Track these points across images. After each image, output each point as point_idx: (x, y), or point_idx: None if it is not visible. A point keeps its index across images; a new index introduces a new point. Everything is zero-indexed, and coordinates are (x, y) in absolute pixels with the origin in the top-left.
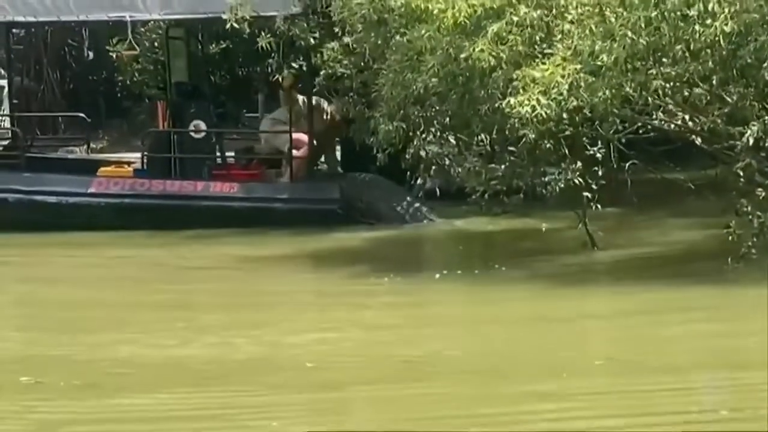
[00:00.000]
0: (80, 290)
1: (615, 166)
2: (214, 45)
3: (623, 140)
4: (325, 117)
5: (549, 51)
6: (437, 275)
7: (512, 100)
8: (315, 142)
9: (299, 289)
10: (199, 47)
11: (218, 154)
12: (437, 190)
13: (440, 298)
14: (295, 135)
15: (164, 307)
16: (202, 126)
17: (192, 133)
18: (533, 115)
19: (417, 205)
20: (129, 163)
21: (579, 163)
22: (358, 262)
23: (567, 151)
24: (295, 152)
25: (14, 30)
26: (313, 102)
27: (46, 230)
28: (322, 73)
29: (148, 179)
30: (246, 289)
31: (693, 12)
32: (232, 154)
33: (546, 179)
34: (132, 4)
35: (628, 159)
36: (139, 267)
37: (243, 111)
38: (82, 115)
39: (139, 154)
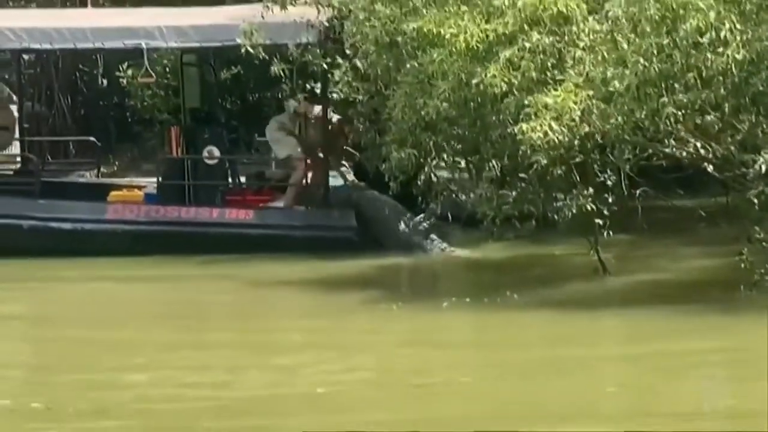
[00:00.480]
0: (94, 318)
1: (626, 193)
2: (225, 71)
3: (634, 167)
4: (329, 127)
5: (560, 77)
6: (445, 303)
7: (524, 126)
8: (322, 153)
9: (310, 315)
10: (212, 73)
11: (230, 179)
12: (448, 215)
13: (450, 325)
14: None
15: (176, 333)
16: (216, 151)
17: (205, 159)
18: (545, 140)
19: (428, 231)
20: (140, 187)
21: (591, 189)
22: (368, 289)
23: (578, 178)
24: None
25: (25, 55)
26: (317, 111)
27: (60, 256)
28: (334, 96)
29: (163, 206)
30: (256, 316)
31: (705, 40)
32: (244, 178)
33: (558, 204)
34: (148, 32)
35: (638, 186)
36: (152, 294)
37: (255, 136)
38: (92, 139)
39: (149, 179)
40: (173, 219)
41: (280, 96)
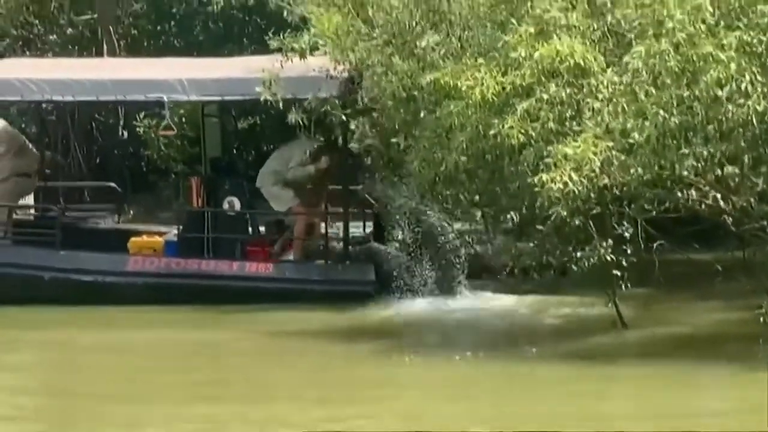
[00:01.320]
0: (110, 371)
1: (642, 246)
2: (244, 121)
3: (651, 220)
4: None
5: (578, 128)
6: (458, 357)
7: (544, 177)
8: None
9: (322, 368)
10: (233, 123)
11: (250, 229)
12: (465, 267)
13: (464, 377)
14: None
15: (194, 387)
16: (236, 202)
17: (226, 211)
18: (565, 192)
19: (444, 282)
20: (160, 233)
21: (610, 241)
22: (382, 340)
23: (594, 230)
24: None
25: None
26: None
27: (80, 306)
28: (351, 147)
29: (183, 258)
30: (268, 369)
31: (724, 93)
32: (263, 227)
33: (578, 255)
34: (169, 85)
35: (654, 239)
36: (170, 348)
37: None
38: (112, 184)
39: (164, 228)
40: (193, 271)
41: None
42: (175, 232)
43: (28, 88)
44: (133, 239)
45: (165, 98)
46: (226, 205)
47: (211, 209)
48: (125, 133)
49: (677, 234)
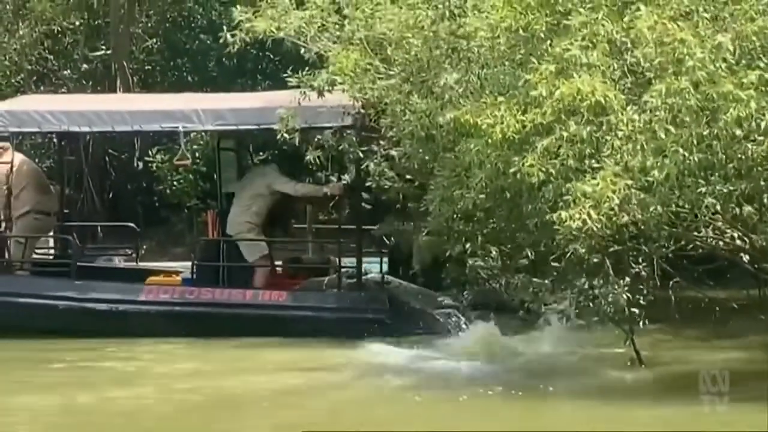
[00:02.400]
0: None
1: (658, 283)
2: (261, 154)
3: (667, 258)
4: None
5: (597, 166)
6: (464, 396)
7: (563, 214)
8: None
9: (329, 406)
10: (249, 157)
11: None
12: (479, 303)
13: (477, 415)
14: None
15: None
16: None
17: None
18: (584, 229)
19: (458, 318)
20: (177, 273)
21: (627, 279)
22: (392, 378)
23: (611, 268)
24: None
25: (55, 141)
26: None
27: (95, 337)
28: (368, 185)
29: (198, 288)
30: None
31: (743, 130)
32: (279, 263)
33: (596, 292)
34: (185, 116)
35: (670, 276)
36: (183, 380)
37: (291, 221)
38: (132, 225)
39: (176, 263)
40: (207, 300)
41: (310, 182)
42: (189, 269)
43: (45, 120)
44: (150, 278)
45: (181, 128)
46: None
47: (226, 239)
48: (140, 165)
49: (692, 272)
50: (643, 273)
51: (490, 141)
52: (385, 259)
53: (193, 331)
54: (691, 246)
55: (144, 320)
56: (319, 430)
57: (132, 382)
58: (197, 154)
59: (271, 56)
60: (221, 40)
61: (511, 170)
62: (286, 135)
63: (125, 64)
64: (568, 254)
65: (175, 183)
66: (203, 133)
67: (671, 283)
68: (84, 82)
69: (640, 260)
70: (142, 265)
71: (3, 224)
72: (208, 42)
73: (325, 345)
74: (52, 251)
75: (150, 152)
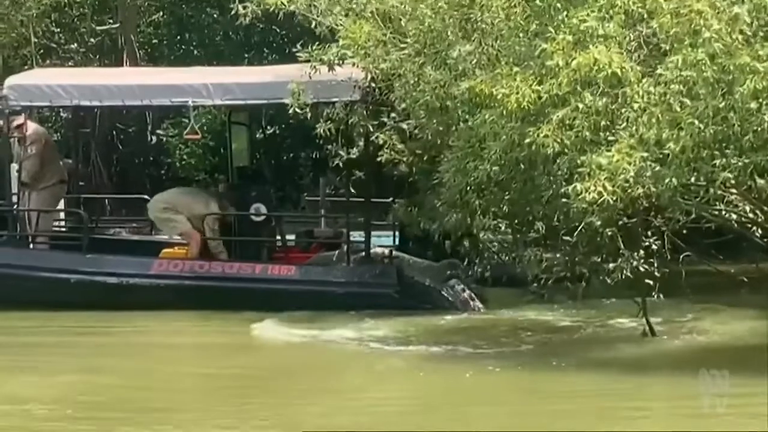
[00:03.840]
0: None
1: (669, 257)
2: (272, 128)
3: (678, 231)
4: None
5: (612, 138)
6: (488, 365)
7: (579, 186)
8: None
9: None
10: (261, 131)
11: (278, 237)
12: (489, 277)
13: (488, 386)
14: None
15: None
16: (263, 209)
17: (252, 217)
18: (599, 201)
19: (466, 291)
20: None
21: (642, 251)
22: (406, 348)
23: (622, 241)
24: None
25: (62, 114)
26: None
27: (106, 310)
28: (379, 158)
29: (208, 261)
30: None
31: (758, 104)
32: (293, 236)
33: (609, 266)
34: (195, 90)
35: (680, 250)
36: (193, 349)
37: (303, 194)
38: (146, 197)
39: None
40: (217, 274)
41: (315, 156)
42: None
43: (56, 94)
44: (165, 250)
45: (190, 102)
46: (252, 212)
47: (237, 213)
48: (154, 138)
49: (701, 245)
50: (654, 246)
51: (505, 112)
52: (397, 233)
53: (202, 304)
54: (703, 219)
55: (154, 294)
56: (320, 430)
57: (139, 355)
58: (205, 128)
59: (278, 30)
60: (233, 12)
61: (526, 141)
62: (297, 109)
63: (132, 37)
64: (580, 227)
65: (183, 157)
66: (212, 107)
67: (682, 256)
68: (91, 55)
69: (649, 234)
70: (156, 237)
71: (25, 194)
72: (215, 16)
73: (330, 319)
74: (62, 223)
75: (159, 125)
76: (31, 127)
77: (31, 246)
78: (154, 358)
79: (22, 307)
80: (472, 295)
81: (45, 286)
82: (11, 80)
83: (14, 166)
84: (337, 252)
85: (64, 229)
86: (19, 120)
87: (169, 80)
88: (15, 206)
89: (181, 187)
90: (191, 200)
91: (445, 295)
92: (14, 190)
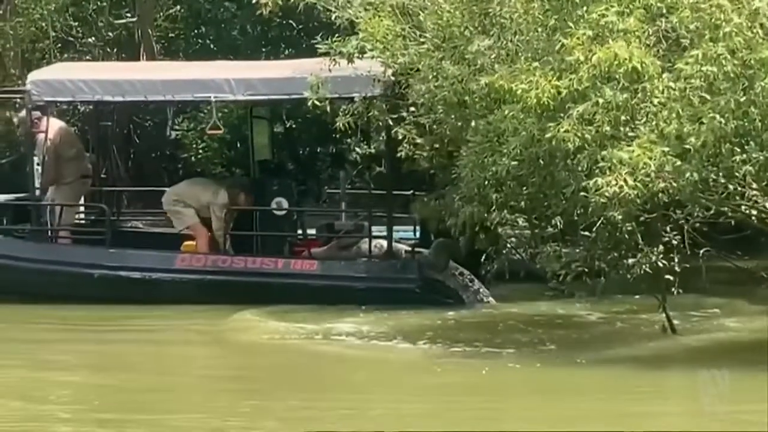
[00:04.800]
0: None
1: (688, 252)
2: (293, 122)
3: (696, 226)
4: None
5: (632, 134)
6: (485, 370)
7: (600, 181)
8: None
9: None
10: (283, 125)
11: (299, 230)
12: (506, 272)
13: (506, 380)
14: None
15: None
16: (284, 203)
17: (274, 211)
18: (619, 196)
19: (479, 286)
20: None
21: (661, 247)
22: (425, 343)
23: (640, 237)
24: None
25: (80, 108)
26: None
27: (129, 304)
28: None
29: (230, 256)
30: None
31: None
32: (314, 230)
33: (629, 261)
34: (217, 85)
35: (699, 245)
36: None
37: (324, 188)
38: (166, 189)
39: None
40: (239, 269)
41: (333, 150)
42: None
43: (79, 89)
44: (186, 243)
45: (213, 98)
46: (274, 206)
47: (259, 208)
48: (173, 134)
49: (717, 241)
50: (674, 242)
51: (524, 107)
52: (418, 227)
53: (225, 299)
54: (722, 214)
55: (177, 288)
56: (320, 430)
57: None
58: (221, 122)
59: (294, 25)
60: (254, 1)
61: (547, 136)
62: (317, 102)
63: (150, 31)
64: (599, 222)
65: (200, 151)
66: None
67: (701, 252)
68: (108, 49)
69: (668, 229)
70: (176, 230)
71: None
72: (232, 10)
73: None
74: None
75: (176, 120)
76: (51, 122)
77: (54, 240)
78: (164, 357)
79: (44, 301)
80: (491, 290)
81: (68, 281)
82: (34, 75)
83: (36, 160)
84: (354, 246)
85: (84, 222)
86: (37, 115)
87: (191, 75)
88: (38, 201)
89: (192, 179)
90: (200, 190)
91: (466, 289)
92: (37, 184)
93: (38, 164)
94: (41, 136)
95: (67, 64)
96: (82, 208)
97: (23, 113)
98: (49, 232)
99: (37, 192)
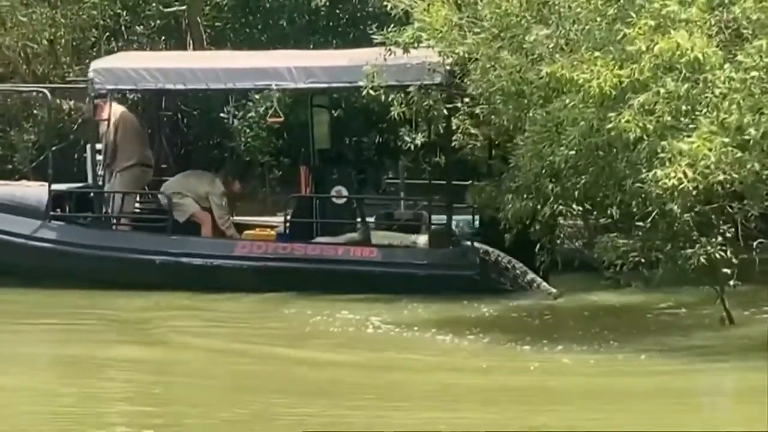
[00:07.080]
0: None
1: (741, 244)
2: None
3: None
4: None
5: (692, 125)
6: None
7: (659, 172)
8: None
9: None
10: (343, 113)
11: (359, 219)
12: (559, 262)
13: (566, 372)
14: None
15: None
16: (344, 191)
17: (334, 199)
18: (679, 188)
19: (532, 276)
20: (272, 227)
21: (720, 238)
22: (485, 333)
23: (697, 228)
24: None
25: (129, 96)
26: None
27: (190, 291)
28: (453, 143)
29: (290, 243)
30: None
31: None
32: (373, 218)
33: (686, 252)
34: (278, 73)
35: (753, 237)
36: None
37: (384, 177)
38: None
39: (250, 218)
40: (299, 256)
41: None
42: (282, 222)
43: (142, 77)
44: (246, 232)
45: (274, 85)
46: (334, 194)
47: (319, 196)
48: (234, 122)
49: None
50: (728, 234)
51: (585, 97)
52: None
53: (285, 286)
54: None
55: (237, 275)
56: (320, 430)
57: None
58: (269, 111)
59: (341, 15)
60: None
61: (607, 126)
62: (371, 92)
63: (198, 20)
64: (654, 213)
65: (248, 140)
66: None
67: (755, 243)
68: (156, 38)
69: (722, 221)
70: (237, 219)
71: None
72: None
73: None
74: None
75: (225, 108)
76: (114, 108)
77: (114, 228)
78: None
79: (101, 287)
80: (547, 281)
81: (130, 268)
82: (97, 64)
83: (98, 147)
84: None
85: (142, 211)
86: (100, 102)
87: (252, 64)
88: (99, 188)
89: (184, 172)
90: (196, 182)
91: (525, 278)
92: (99, 172)
93: (99, 151)
94: (104, 123)
95: (126, 53)
96: (139, 198)
97: (86, 101)
98: (111, 219)
99: (99, 180)
